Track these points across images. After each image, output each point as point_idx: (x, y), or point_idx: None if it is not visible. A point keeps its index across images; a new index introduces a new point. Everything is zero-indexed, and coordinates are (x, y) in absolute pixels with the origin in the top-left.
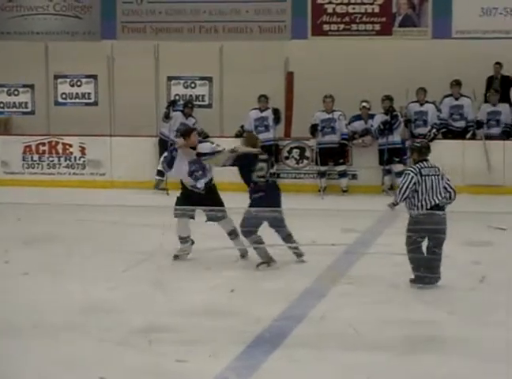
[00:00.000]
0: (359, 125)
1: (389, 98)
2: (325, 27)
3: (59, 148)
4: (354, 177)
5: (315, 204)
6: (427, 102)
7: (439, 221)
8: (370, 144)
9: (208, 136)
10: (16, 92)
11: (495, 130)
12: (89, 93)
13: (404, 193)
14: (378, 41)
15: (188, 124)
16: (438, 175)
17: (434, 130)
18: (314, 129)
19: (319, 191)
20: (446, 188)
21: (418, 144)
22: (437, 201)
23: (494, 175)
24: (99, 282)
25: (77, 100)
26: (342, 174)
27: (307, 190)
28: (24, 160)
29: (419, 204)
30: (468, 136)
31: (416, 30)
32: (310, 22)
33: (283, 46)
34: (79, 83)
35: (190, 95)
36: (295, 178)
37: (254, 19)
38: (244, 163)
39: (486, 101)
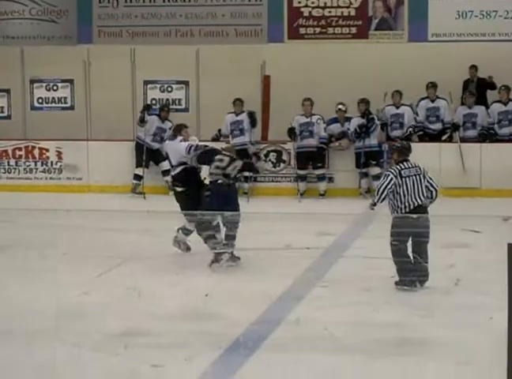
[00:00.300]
0: (335, 128)
1: (364, 101)
2: (302, 30)
3: (36, 152)
4: (331, 180)
5: (292, 208)
6: (403, 104)
7: (421, 223)
8: (346, 147)
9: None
10: None
11: (471, 133)
12: (65, 97)
13: (381, 194)
14: (355, 44)
15: (164, 128)
16: (419, 175)
17: (410, 129)
18: (291, 133)
19: (299, 194)
20: (427, 187)
21: (398, 145)
22: (420, 202)
23: (470, 178)
24: (73, 286)
25: (54, 105)
26: (321, 178)
27: (285, 193)
28: (0, 165)
29: (402, 205)
30: (445, 138)
31: (392, 33)
32: (286, 25)
33: (259, 49)
34: (55, 87)
35: (167, 99)
36: (273, 181)
37: (230, 22)
38: (206, 160)
39: (462, 104)
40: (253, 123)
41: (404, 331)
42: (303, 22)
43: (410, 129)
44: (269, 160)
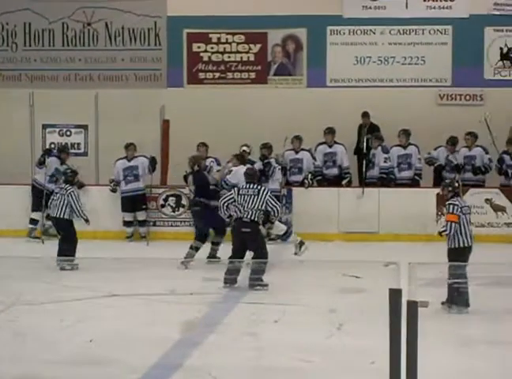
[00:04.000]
0: None
1: (266, 146)
2: (201, 75)
3: None
4: None
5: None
6: (302, 149)
7: None
8: None
9: (83, 186)
10: None
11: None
12: None
13: None
14: (254, 89)
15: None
16: None
17: (310, 176)
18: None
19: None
20: None
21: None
22: None
23: (368, 222)
24: None
25: None
26: None
27: (184, 238)
28: None
29: None
30: (344, 182)
31: (291, 78)
32: (185, 70)
33: (159, 94)
34: None
35: (66, 143)
36: (172, 226)
37: (130, 67)
38: None
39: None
40: (153, 168)
41: (289, 376)
42: (203, 67)
43: (309, 175)
44: (168, 205)
